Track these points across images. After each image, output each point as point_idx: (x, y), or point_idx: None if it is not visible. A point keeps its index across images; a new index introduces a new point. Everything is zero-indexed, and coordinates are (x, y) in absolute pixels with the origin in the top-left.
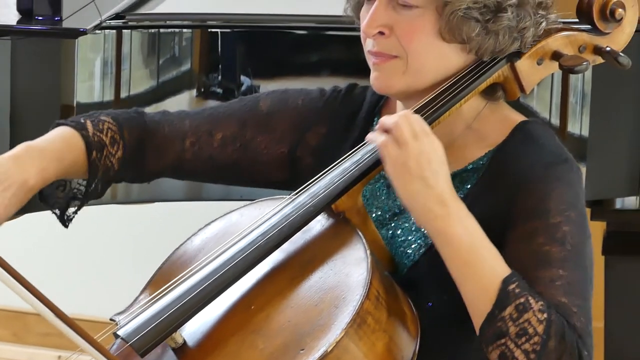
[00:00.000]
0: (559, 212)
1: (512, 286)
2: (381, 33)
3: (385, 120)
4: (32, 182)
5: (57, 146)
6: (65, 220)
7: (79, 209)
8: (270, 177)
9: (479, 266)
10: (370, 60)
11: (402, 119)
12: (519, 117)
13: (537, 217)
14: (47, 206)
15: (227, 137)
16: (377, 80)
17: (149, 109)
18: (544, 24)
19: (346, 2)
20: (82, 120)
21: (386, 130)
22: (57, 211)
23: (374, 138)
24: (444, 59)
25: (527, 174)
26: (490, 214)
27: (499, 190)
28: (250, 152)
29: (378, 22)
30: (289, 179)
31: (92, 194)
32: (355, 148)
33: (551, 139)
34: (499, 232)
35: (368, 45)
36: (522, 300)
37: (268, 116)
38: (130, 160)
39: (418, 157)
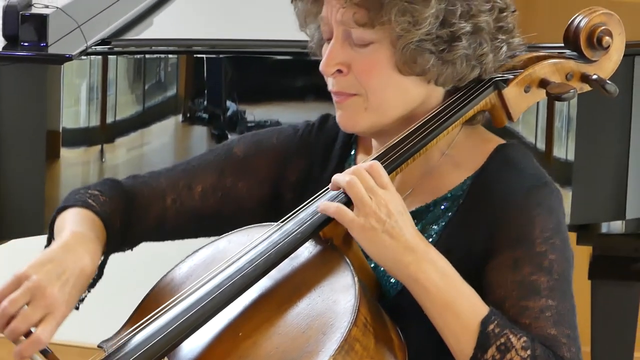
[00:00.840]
0: (543, 240)
1: (492, 326)
2: (339, 71)
3: (338, 179)
4: (89, 270)
5: (89, 226)
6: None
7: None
8: (257, 220)
9: (456, 308)
10: (334, 100)
11: (354, 177)
12: (494, 140)
13: (521, 245)
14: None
15: (207, 189)
16: (342, 118)
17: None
18: (504, 48)
19: (310, 40)
20: (89, 202)
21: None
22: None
23: (324, 208)
24: (404, 92)
25: (508, 200)
26: (472, 242)
27: (480, 217)
28: (233, 200)
29: (335, 61)
30: (275, 219)
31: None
32: None
33: (529, 162)
34: (481, 260)
35: (329, 84)
36: (502, 340)
37: (245, 160)
38: (122, 228)
39: (377, 213)
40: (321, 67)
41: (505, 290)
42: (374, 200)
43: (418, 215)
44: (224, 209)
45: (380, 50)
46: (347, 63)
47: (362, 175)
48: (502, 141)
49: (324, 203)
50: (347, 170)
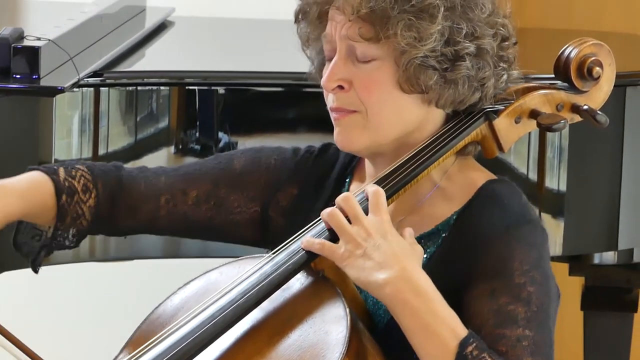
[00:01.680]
0: (522, 272)
1: (470, 348)
2: (340, 87)
3: (323, 212)
4: None
5: (22, 185)
6: (35, 266)
7: (48, 254)
8: (244, 235)
9: (434, 329)
10: (332, 117)
11: (334, 209)
12: (485, 176)
13: (499, 277)
14: (22, 254)
15: (201, 196)
16: (339, 135)
17: (127, 166)
18: (505, 77)
19: (310, 64)
20: (55, 167)
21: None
22: (30, 259)
23: (307, 245)
24: (403, 111)
25: (488, 235)
26: (452, 275)
27: (461, 251)
28: (224, 211)
29: (337, 76)
30: (262, 239)
31: (64, 242)
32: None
33: (516, 199)
34: (461, 293)
35: (329, 101)
36: None
37: (241, 175)
38: (103, 212)
39: (355, 239)
40: (323, 82)
41: (482, 319)
42: (354, 227)
43: (422, 239)
44: (215, 218)
45: (383, 67)
46: (348, 79)
47: (349, 203)
48: (493, 176)
49: (307, 239)
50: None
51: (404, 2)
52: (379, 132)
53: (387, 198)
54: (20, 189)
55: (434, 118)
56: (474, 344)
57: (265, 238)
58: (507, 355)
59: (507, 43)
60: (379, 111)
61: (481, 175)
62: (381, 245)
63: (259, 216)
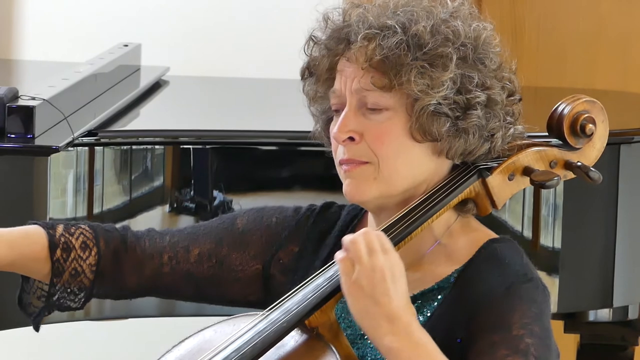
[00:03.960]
0: (521, 325)
1: None
2: (351, 139)
3: (346, 237)
4: None
5: (14, 234)
6: (37, 324)
7: (50, 312)
8: (246, 295)
9: None
10: (342, 170)
11: (359, 236)
12: (487, 235)
13: (498, 330)
14: (25, 313)
15: (204, 254)
16: (349, 187)
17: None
18: (512, 130)
19: (315, 123)
20: (55, 223)
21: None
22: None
23: (336, 255)
24: (415, 162)
25: (489, 295)
26: (453, 333)
27: (461, 310)
28: (226, 269)
29: (348, 127)
30: (264, 298)
31: (68, 302)
32: (328, 264)
33: (517, 259)
34: (462, 352)
35: (339, 154)
36: None
37: (243, 234)
38: (106, 270)
39: (371, 275)
40: (333, 134)
41: None
42: (370, 261)
43: (417, 297)
44: (217, 276)
45: (395, 117)
46: (359, 131)
47: (368, 236)
48: (495, 235)
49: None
50: (354, 234)
51: (416, 50)
52: (390, 183)
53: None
54: (11, 238)
55: (439, 172)
56: None
57: (267, 296)
58: None
59: (513, 98)
60: (392, 162)
61: (483, 234)
62: (390, 292)
63: (260, 274)
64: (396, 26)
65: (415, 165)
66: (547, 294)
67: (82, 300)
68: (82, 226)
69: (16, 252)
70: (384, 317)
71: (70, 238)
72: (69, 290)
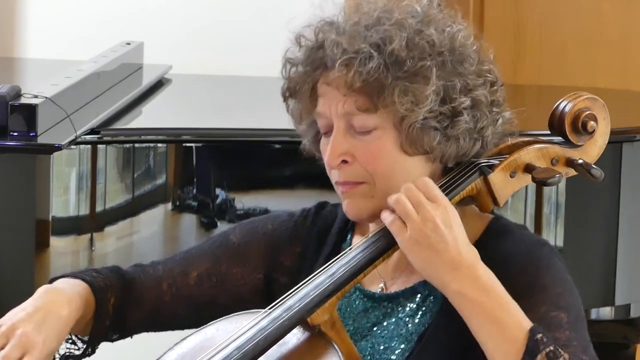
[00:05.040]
0: (557, 283)
1: (539, 335)
2: (344, 162)
3: (391, 197)
4: (66, 314)
5: (73, 287)
6: None
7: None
8: (249, 307)
9: (502, 322)
10: (339, 190)
11: (402, 194)
12: (488, 216)
13: (537, 292)
14: None
15: (203, 274)
16: (349, 207)
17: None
18: (500, 120)
19: (303, 138)
20: (73, 273)
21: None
22: None
23: (383, 217)
24: (411, 172)
25: (511, 262)
26: None
27: None
28: (228, 286)
29: (339, 151)
30: (268, 303)
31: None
32: (330, 262)
33: (525, 230)
34: None
35: (334, 176)
36: (551, 348)
37: (240, 247)
38: (115, 305)
39: (422, 228)
40: (327, 162)
41: None
42: (420, 215)
43: (419, 289)
44: (219, 295)
45: (384, 135)
46: (350, 153)
47: (411, 191)
48: (493, 216)
49: (384, 212)
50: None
51: (395, 70)
52: (388, 197)
53: (384, 252)
54: (72, 292)
55: (437, 173)
56: (542, 332)
57: (270, 301)
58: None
59: (495, 87)
60: (387, 178)
61: (484, 216)
62: (446, 238)
63: (263, 284)
64: (371, 50)
65: (411, 175)
66: (561, 258)
67: (83, 348)
68: (95, 272)
69: (76, 308)
70: (446, 266)
71: (99, 282)
72: (70, 341)
